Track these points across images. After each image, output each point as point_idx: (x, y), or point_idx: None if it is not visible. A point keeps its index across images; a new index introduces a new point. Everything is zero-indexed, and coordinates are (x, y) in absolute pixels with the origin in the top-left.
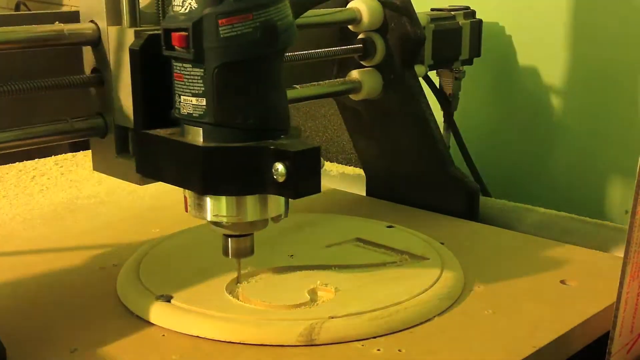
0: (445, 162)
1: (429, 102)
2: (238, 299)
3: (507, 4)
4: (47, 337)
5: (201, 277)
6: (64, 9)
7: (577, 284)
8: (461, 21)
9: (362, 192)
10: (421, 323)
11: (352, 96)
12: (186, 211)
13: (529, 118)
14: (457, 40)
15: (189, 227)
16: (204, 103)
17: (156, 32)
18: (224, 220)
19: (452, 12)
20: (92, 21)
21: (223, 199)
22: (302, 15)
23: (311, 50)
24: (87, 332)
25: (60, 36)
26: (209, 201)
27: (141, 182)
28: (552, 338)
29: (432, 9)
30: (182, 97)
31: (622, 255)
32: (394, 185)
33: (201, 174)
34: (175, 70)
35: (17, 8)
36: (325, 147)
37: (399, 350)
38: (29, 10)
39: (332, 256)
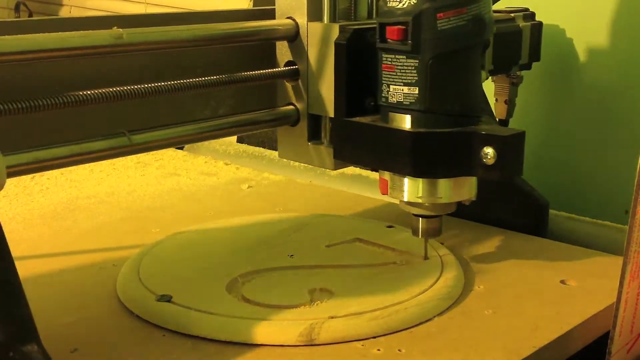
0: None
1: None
2: (238, 299)
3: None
4: (47, 337)
5: (201, 277)
6: (64, 8)
7: (577, 284)
8: (521, 23)
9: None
10: (421, 323)
11: None
12: (384, 193)
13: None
14: (518, 44)
15: (189, 227)
16: (416, 91)
17: (359, 27)
18: (421, 200)
19: (512, 14)
20: (289, 17)
21: (420, 181)
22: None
23: None
24: (87, 332)
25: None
26: (406, 182)
27: (334, 167)
28: (552, 338)
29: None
30: (391, 86)
31: (622, 255)
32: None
33: (412, 157)
34: (386, 62)
35: (16, 8)
36: None
37: (399, 350)
38: (29, 10)
39: (332, 256)
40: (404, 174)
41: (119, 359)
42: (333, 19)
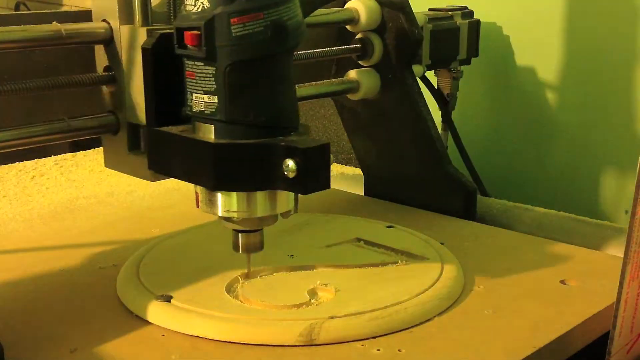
0: (443, 161)
1: (427, 102)
2: (238, 299)
3: (504, 4)
4: (47, 337)
5: (201, 277)
6: (64, 8)
7: (577, 284)
8: (459, 21)
9: (361, 192)
10: (421, 323)
11: (349, 96)
12: (197, 207)
13: (527, 118)
14: (455, 40)
15: (189, 227)
16: (216, 100)
17: (168, 31)
18: (235, 215)
19: (450, 12)
20: (104, 20)
21: (234, 194)
22: None
23: (309, 50)
24: (87, 332)
25: (72, 35)
26: (220, 197)
27: (152, 179)
28: (552, 338)
29: (430, 9)
30: (194, 94)
31: (622, 255)
32: (392, 184)
33: (213, 170)
34: (187, 69)
35: (16, 8)
36: None
37: (399, 350)
38: (29, 10)
39: (332, 256)
40: (207, 186)
41: (119, 359)
42: (145, 22)
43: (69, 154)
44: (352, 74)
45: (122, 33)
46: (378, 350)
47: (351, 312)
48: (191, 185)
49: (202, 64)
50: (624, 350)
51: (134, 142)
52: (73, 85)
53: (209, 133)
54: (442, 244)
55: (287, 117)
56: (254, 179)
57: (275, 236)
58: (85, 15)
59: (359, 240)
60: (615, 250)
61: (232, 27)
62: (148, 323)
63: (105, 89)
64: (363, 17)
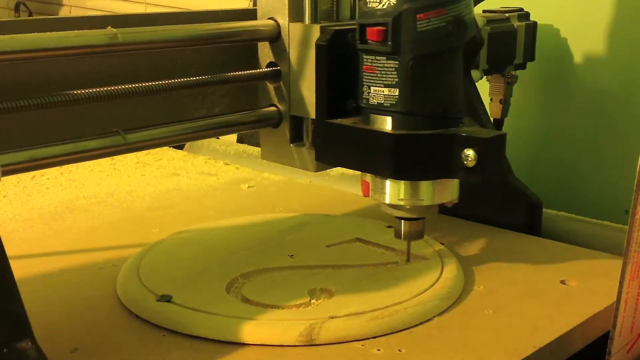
0: (505, 171)
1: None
2: (238, 299)
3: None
4: (47, 337)
5: (201, 277)
6: (64, 8)
7: (577, 284)
8: (516, 23)
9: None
10: (421, 323)
11: None
12: (365, 195)
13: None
14: (513, 44)
15: (189, 227)
16: (397, 93)
17: (340, 27)
18: (403, 203)
19: (507, 14)
20: (271, 18)
21: (402, 183)
22: None
23: None
24: (87, 332)
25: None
26: (389, 185)
27: (315, 169)
28: (552, 338)
29: (485, 10)
30: (372, 88)
31: (622, 255)
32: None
33: (393, 160)
34: (366, 63)
35: (16, 8)
36: None
37: (399, 350)
38: (29, 10)
39: (332, 256)
40: (385, 176)
41: (119, 359)
42: (314, 19)
43: None
44: None
45: (292, 30)
46: (378, 350)
47: (351, 312)
48: (192, 186)
49: (385, 58)
50: (624, 350)
51: (296, 134)
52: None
53: (384, 124)
54: (442, 244)
55: (459, 108)
56: (432, 167)
57: (276, 236)
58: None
59: (359, 240)
60: (615, 250)
61: (417, 23)
62: (148, 323)
63: (267, 84)
64: None
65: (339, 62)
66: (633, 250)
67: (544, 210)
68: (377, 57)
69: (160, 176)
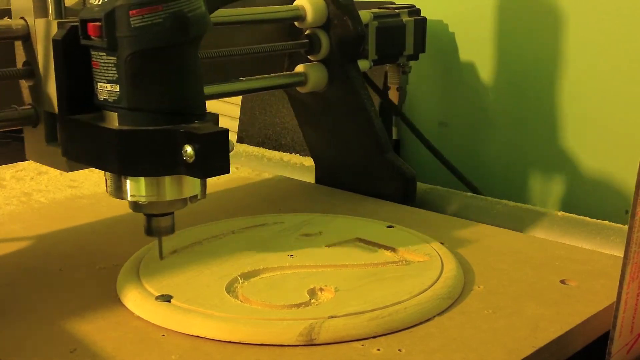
0: (384, 149)
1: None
2: (238, 299)
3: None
4: (47, 337)
5: (201, 277)
6: None
7: (577, 284)
8: (405, 18)
9: (313, 181)
10: (421, 323)
11: (299, 89)
12: (107, 192)
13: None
14: (401, 37)
15: (189, 227)
16: (118, 89)
17: (77, 23)
18: (142, 200)
19: (397, 10)
20: (22, 18)
21: (142, 179)
22: (249, 13)
23: (260, 45)
24: (87, 332)
25: None
26: (128, 182)
27: (68, 169)
28: (552, 338)
29: (379, 7)
30: (99, 83)
31: (622, 255)
32: (340, 172)
33: (117, 156)
34: (93, 59)
35: None
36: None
37: (399, 350)
38: None
39: (332, 256)
40: (112, 171)
41: (119, 359)
42: (58, 16)
43: None
44: (301, 67)
45: (37, 27)
46: (378, 350)
47: (351, 312)
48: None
49: (105, 54)
50: (624, 350)
51: (52, 133)
52: None
53: (113, 120)
54: (442, 244)
55: (190, 104)
56: (156, 164)
57: (276, 236)
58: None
59: (359, 240)
60: (615, 250)
61: (131, 19)
62: (148, 323)
63: (24, 83)
64: (309, 14)
65: (79, 57)
66: (633, 250)
67: (545, 210)
68: (99, 53)
69: None
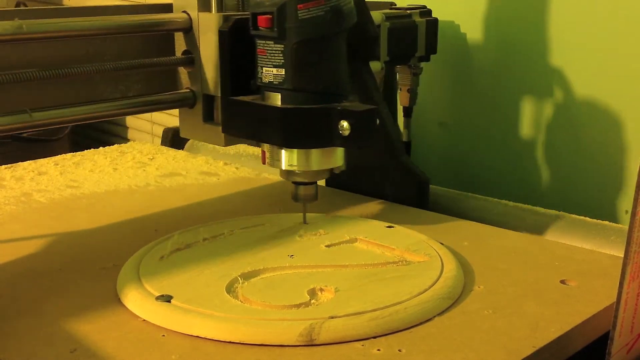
0: (397, 152)
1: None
2: (238, 299)
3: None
4: (47, 337)
5: (201, 277)
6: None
7: (577, 284)
8: (417, 19)
9: (323, 183)
10: (421, 323)
11: None
12: (263, 163)
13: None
14: (413, 38)
15: (189, 227)
16: (283, 73)
17: (240, 16)
18: (295, 169)
19: (408, 11)
20: (184, 11)
21: (295, 151)
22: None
23: None
24: (87, 332)
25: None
26: (283, 153)
27: (225, 144)
28: (552, 338)
29: (391, 8)
30: (264, 68)
31: (622, 255)
32: (352, 175)
33: (281, 131)
34: (259, 47)
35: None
36: None
37: (399, 350)
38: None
39: (332, 256)
40: (276, 144)
41: (119, 359)
42: (220, 9)
43: (69, 154)
44: None
45: (201, 20)
46: (378, 350)
47: (351, 312)
48: (192, 186)
49: (273, 42)
50: (624, 350)
51: (209, 113)
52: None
53: (276, 100)
54: (442, 244)
55: (341, 86)
56: (314, 137)
57: (276, 236)
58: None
59: (359, 240)
60: (615, 250)
61: (299, 12)
62: (148, 323)
63: (182, 69)
64: None
65: (241, 46)
66: (633, 250)
67: (545, 210)
68: (267, 42)
69: (160, 176)
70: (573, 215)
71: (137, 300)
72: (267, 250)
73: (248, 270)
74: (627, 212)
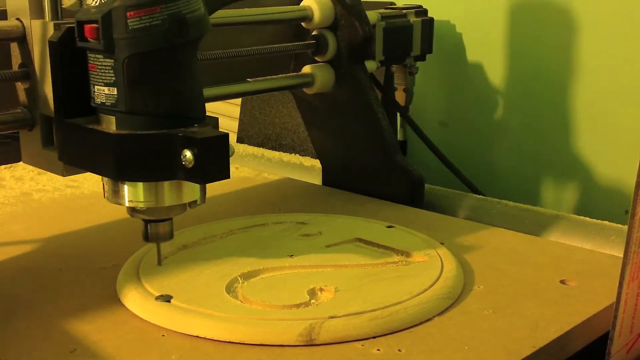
0: (391, 151)
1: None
2: (238, 299)
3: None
4: (47, 337)
5: (201, 277)
6: None
7: (577, 284)
8: (412, 19)
9: (319, 182)
10: (421, 323)
11: (306, 90)
12: (104, 197)
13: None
14: (408, 37)
15: (189, 227)
16: (115, 92)
17: (73, 25)
18: (140, 205)
19: (404, 11)
20: (17, 19)
21: (140, 184)
22: (256, 14)
23: (267, 45)
24: (87, 332)
25: None
26: (126, 187)
27: (65, 174)
28: (552, 338)
29: (386, 7)
30: (96, 86)
31: (622, 255)
32: (347, 174)
33: (114, 160)
34: (90, 61)
35: None
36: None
37: (399, 350)
38: None
39: (332, 256)
40: (109, 176)
41: (119, 359)
42: (55, 17)
43: None
44: (307, 68)
45: (33, 28)
46: (378, 350)
47: (351, 312)
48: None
49: (102, 56)
50: (624, 350)
51: (48, 137)
52: None
53: (110, 124)
54: (442, 244)
55: (189, 108)
56: (155, 169)
57: (276, 236)
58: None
59: (359, 240)
60: (615, 250)
61: (128, 21)
62: (148, 323)
63: (20, 85)
64: (317, 15)
65: (76, 59)
66: (633, 250)
67: (545, 210)
68: (96, 55)
69: None
70: (573, 215)
71: (136, 300)
72: (267, 250)
73: (248, 270)
74: (627, 212)
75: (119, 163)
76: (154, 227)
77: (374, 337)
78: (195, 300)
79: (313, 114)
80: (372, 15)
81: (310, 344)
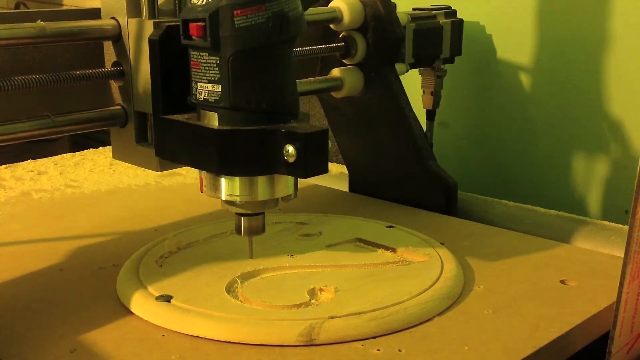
0: (424, 157)
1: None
2: (238, 299)
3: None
4: (47, 337)
5: (201, 277)
6: (64, 8)
7: (577, 284)
8: (442, 20)
9: (346, 189)
10: (421, 323)
11: (333, 94)
12: (202, 192)
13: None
14: (438, 39)
15: (189, 227)
16: (220, 89)
17: (174, 23)
18: (237, 199)
19: (433, 12)
20: (113, 18)
21: (237, 179)
22: None
23: (294, 48)
24: (87, 332)
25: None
26: (223, 181)
27: (159, 169)
28: (552, 338)
29: (414, 9)
30: (198, 83)
31: (622, 255)
32: (376, 181)
33: (217, 156)
34: (192, 59)
35: (16, 8)
36: None
37: (399, 350)
38: (28, 9)
39: (332, 256)
40: (211, 171)
41: (119, 359)
42: (152, 16)
43: (68, 154)
44: (336, 72)
45: (130, 26)
46: (378, 350)
47: (351, 312)
48: (192, 186)
49: (207, 54)
50: (624, 350)
51: (142, 133)
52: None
53: (213, 120)
54: (442, 244)
55: (288, 104)
56: (256, 163)
57: (276, 236)
58: (92, 14)
59: (359, 240)
60: (615, 250)
61: (235, 19)
62: (148, 323)
63: (113, 83)
64: (346, 16)
65: (176, 57)
66: (633, 250)
67: (545, 210)
68: (201, 53)
69: (160, 176)
70: (573, 215)
71: (137, 300)
72: (267, 250)
73: (248, 270)
74: (627, 212)
75: (222, 158)
76: (247, 220)
77: (374, 337)
78: (195, 300)
79: (340, 118)
80: (403, 17)
81: (310, 344)
